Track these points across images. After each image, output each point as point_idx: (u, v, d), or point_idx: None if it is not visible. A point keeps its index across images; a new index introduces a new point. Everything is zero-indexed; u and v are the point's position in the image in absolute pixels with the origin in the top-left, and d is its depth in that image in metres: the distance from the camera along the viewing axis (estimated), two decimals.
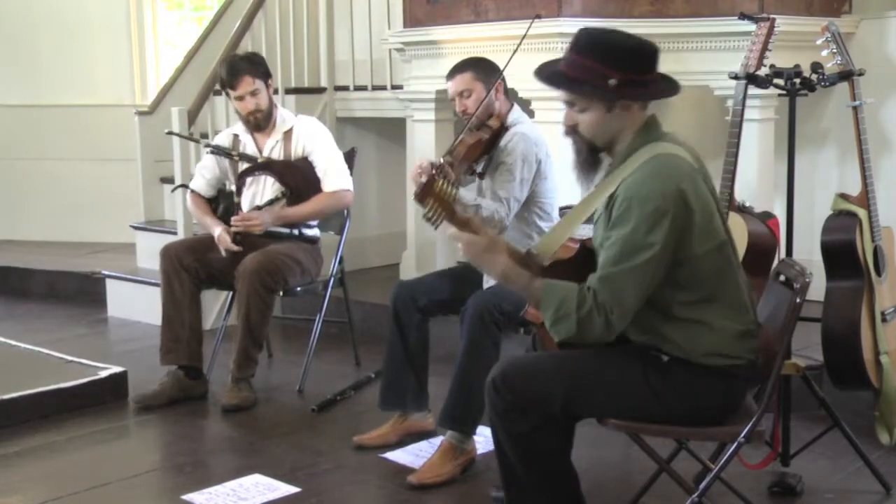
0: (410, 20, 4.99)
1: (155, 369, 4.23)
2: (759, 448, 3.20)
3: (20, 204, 7.25)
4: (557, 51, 4.06)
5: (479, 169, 3.60)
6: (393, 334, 3.58)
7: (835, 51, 3.27)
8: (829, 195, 3.43)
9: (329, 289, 4.44)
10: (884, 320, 3.29)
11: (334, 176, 4.30)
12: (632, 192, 2.35)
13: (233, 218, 4.18)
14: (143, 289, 5.46)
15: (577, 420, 2.50)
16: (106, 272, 5.85)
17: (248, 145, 4.34)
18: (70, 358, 4.43)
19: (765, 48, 3.30)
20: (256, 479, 3.36)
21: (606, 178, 2.50)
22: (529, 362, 2.55)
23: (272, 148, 4.31)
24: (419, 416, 3.67)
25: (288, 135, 4.32)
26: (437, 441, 3.46)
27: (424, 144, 5.05)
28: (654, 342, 2.46)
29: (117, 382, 4.20)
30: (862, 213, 3.26)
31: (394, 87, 5.60)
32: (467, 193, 3.43)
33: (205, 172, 4.42)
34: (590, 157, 2.52)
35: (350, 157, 4.56)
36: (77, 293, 6.12)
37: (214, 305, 5.19)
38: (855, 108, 3.28)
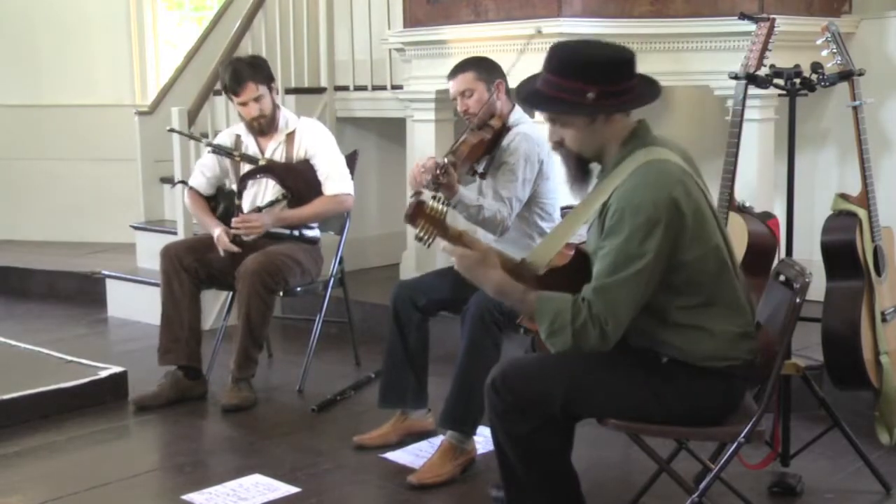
0: (410, 20, 4.99)
1: (155, 369, 4.22)
2: (759, 448, 3.20)
3: (20, 204, 7.25)
4: None
5: (480, 169, 3.60)
6: (393, 334, 3.58)
7: (835, 51, 3.27)
8: (829, 195, 3.43)
9: (329, 289, 4.44)
10: (884, 320, 3.29)
11: (335, 179, 4.30)
12: (624, 202, 2.35)
13: (233, 220, 4.18)
14: (143, 289, 5.46)
15: (576, 420, 2.50)
16: (106, 272, 5.85)
17: (249, 146, 4.34)
18: (70, 358, 4.43)
19: (765, 48, 3.30)
20: (256, 479, 3.36)
21: (598, 186, 2.49)
22: (529, 363, 2.55)
23: (274, 150, 4.31)
24: (419, 416, 3.67)
25: (290, 137, 4.32)
26: (438, 441, 3.46)
27: (424, 144, 5.05)
28: (653, 347, 2.46)
29: (117, 382, 4.20)
30: (862, 213, 3.26)
31: (394, 87, 5.60)
32: (469, 194, 3.43)
33: (205, 171, 4.41)
34: (579, 169, 2.53)
35: (352, 160, 4.56)
36: (77, 293, 6.12)
37: (214, 305, 5.19)
38: (855, 108, 3.28)
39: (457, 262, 2.46)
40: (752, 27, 3.40)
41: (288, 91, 5.79)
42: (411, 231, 5.31)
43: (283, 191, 4.25)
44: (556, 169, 3.57)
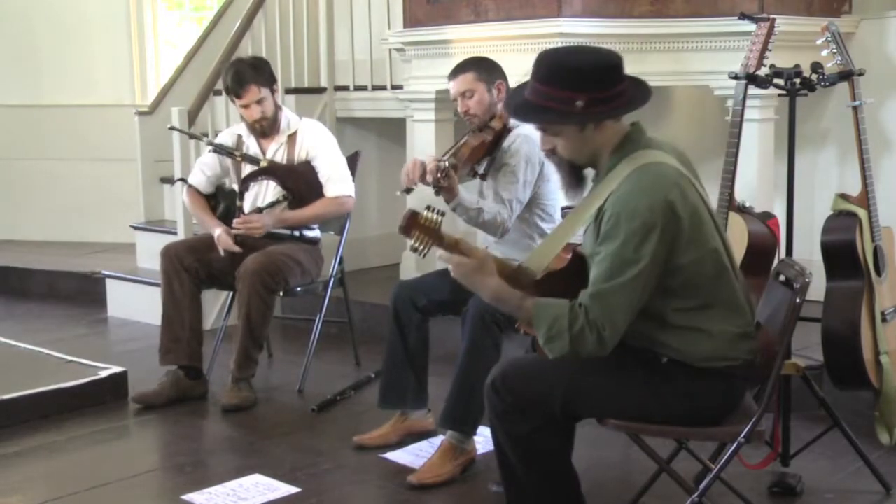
0: (410, 20, 4.99)
1: (155, 369, 4.22)
2: (759, 448, 3.20)
3: (20, 204, 7.25)
4: None
5: (480, 170, 3.60)
6: (393, 334, 3.58)
7: (835, 51, 3.27)
8: (829, 195, 3.43)
9: (329, 289, 4.44)
10: (884, 320, 3.29)
11: (337, 181, 4.30)
12: (619, 207, 2.34)
13: (235, 220, 4.18)
14: (143, 289, 5.46)
15: (576, 420, 2.50)
16: (106, 272, 5.85)
17: (251, 146, 4.34)
18: (70, 358, 4.43)
19: (765, 48, 3.30)
20: (256, 479, 3.36)
21: (593, 190, 2.48)
22: (529, 363, 2.55)
23: (275, 151, 4.31)
24: (419, 416, 3.67)
25: (292, 138, 4.32)
26: (438, 441, 3.46)
27: (424, 144, 5.05)
28: (652, 348, 2.46)
29: (117, 382, 4.20)
30: (862, 213, 3.26)
31: (394, 87, 5.60)
32: (469, 196, 3.43)
33: (205, 169, 4.41)
34: (573, 175, 2.53)
35: (353, 161, 4.56)
36: (77, 293, 6.12)
37: (214, 305, 5.19)
38: (855, 108, 3.28)
39: (453, 269, 2.46)
40: (752, 27, 3.40)
41: (288, 91, 5.78)
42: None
43: (284, 192, 4.26)
44: None
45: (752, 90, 3.37)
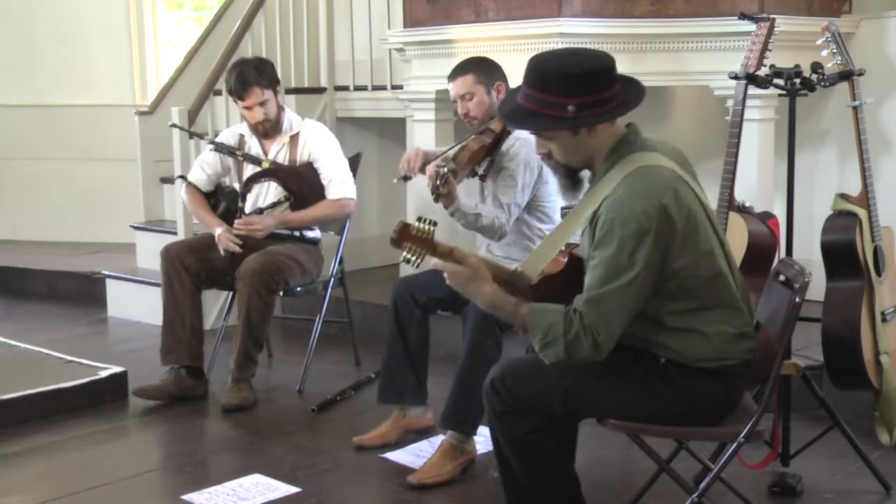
0: (410, 20, 4.99)
1: (155, 369, 4.23)
2: (759, 448, 3.20)
3: (20, 204, 7.25)
4: None
5: (480, 171, 3.60)
6: (393, 331, 3.58)
7: (835, 51, 3.27)
8: (829, 195, 3.43)
9: (329, 289, 4.44)
10: (884, 320, 3.29)
11: (339, 184, 4.30)
12: (613, 213, 2.33)
13: (236, 221, 4.18)
14: (143, 289, 5.47)
15: (576, 421, 2.50)
16: (106, 272, 5.85)
17: (253, 147, 4.34)
18: (70, 358, 4.43)
19: (765, 48, 3.30)
20: (256, 479, 3.36)
21: (588, 193, 2.48)
22: (528, 363, 2.54)
23: (277, 152, 4.31)
24: (418, 413, 3.67)
25: (294, 139, 4.32)
26: (438, 441, 3.46)
27: (425, 144, 5.04)
28: (650, 349, 2.45)
29: (117, 382, 4.20)
30: (862, 213, 3.26)
31: (394, 87, 5.60)
32: (468, 201, 3.43)
33: (206, 167, 4.40)
34: (569, 178, 2.53)
35: (354, 163, 4.55)
36: (77, 293, 6.12)
37: (215, 305, 5.19)
38: (855, 108, 3.28)
39: (448, 278, 2.46)
40: (752, 27, 3.40)
41: (288, 91, 5.76)
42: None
43: (286, 192, 4.26)
44: None
45: (752, 90, 3.37)
